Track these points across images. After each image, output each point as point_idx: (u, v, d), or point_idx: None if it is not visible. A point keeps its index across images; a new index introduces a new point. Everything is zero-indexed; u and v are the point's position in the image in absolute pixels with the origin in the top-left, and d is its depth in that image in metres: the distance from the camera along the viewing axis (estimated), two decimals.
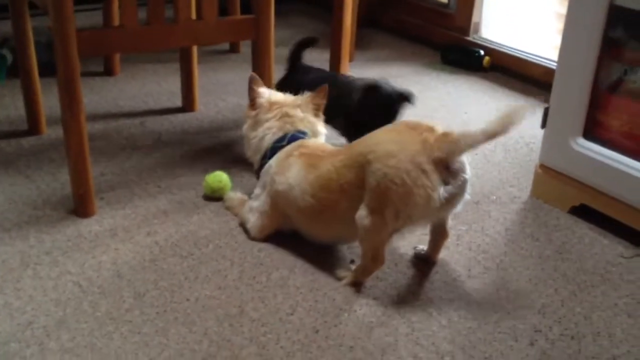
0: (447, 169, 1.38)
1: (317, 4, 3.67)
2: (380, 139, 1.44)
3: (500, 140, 2.20)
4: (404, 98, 1.87)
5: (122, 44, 1.69)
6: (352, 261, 1.56)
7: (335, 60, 2.32)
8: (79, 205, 1.69)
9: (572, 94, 1.74)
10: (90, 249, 1.58)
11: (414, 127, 1.43)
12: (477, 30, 2.98)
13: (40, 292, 1.43)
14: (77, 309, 1.39)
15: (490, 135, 1.35)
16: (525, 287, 1.51)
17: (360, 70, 2.79)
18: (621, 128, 1.71)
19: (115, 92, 2.49)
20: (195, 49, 2.29)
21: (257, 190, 1.67)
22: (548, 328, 1.38)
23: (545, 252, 1.64)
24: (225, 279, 1.50)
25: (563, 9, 1.78)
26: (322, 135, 1.72)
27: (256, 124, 1.71)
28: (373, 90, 1.85)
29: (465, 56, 2.89)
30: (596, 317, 1.42)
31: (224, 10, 2.88)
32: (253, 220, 1.64)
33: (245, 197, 1.74)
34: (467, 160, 1.43)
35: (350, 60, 2.78)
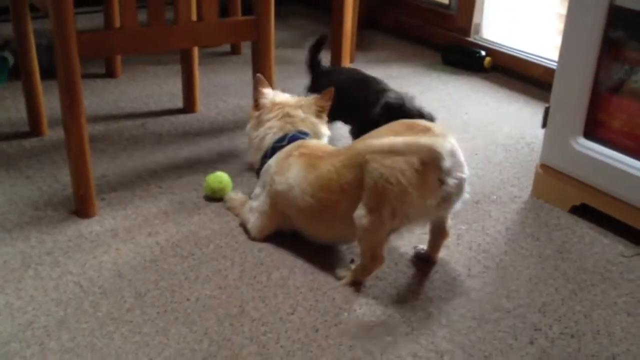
0: (442, 168, 1.38)
1: (317, 5, 3.67)
2: (380, 139, 1.44)
3: (502, 140, 2.21)
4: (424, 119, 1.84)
5: (122, 45, 1.70)
6: (352, 261, 1.57)
7: (336, 62, 2.32)
8: (80, 206, 1.70)
9: (573, 94, 1.74)
10: (91, 249, 1.59)
11: (411, 127, 1.44)
12: (478, 31, 2.98)
13: (41, 292, 1.43)
14: (77, 309, 1.39)
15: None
16: (526, 286, 1.51)
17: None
18: (622, 128, 1.71)
19: (117, 93, 2.50)
20: (196, 50, 2.30)
21: (257, 190, 1.68)
22: (548, 327, 1.38)
23: (545, 251, 1.64)
24: (225, 279, 1.50)
25: (564, 9, 1.78)
26: (325, 136, 1.72)
27: (258, 124, 1.72)
28: (395, 109, 1.82)
29: (466, 57, 2.89)
30: (596, 315, 1.42)
31: (225, 12, 2.90)
32: (253, 221, 1.64)
33: (246, 197, 1.75)
34: (465, 160, 1.43)
35: (351, 61, 2.78)
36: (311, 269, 1.54)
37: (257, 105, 1.74)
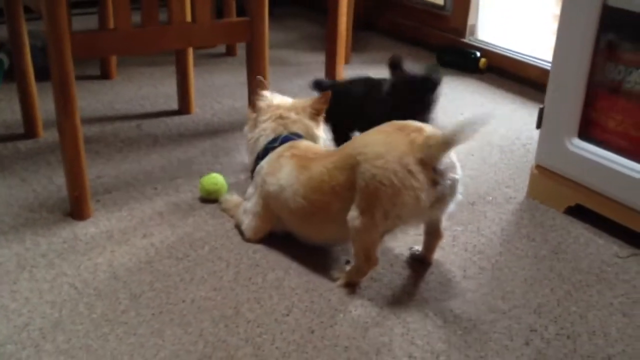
0: (435, 169, 1.38)
1: (312, 7, 3.68)
2: (368, 141, 1.45)
3: (497, 141, 2.21)
4: (429, 82, 1.83)
5: (116, 46, 1.69)
6: (348, 262, 1.56)
7: (331, 63, 2.33)
8: (75, 208, 1.69)
9: (567, 95, 1.75)
10: (86, 251, 1.58)
11: (402, 128, 1.44)
12: (473, 32, 2.98)
13: (36, 294, 1.43)
14: (72, 310, 1.39)
15: (471, 125, 1.36)
16: (521, 287, 1.51)
17: (357, 72, 2.79)
18: (616, 128, 1.71)
19: (112, 95, 2.50)
20: (190, 51, 2.29)
21: (249, 191, 1.68)
22: (544, 327, 1.38)
23: (541, 252, 1.64)
24: (220, 281, 1.50)
25: (559, 10, 1.78)
26: (320, 139, 1.72)
27: (254, 126, 1.72)
28: (401, 84, 1.83)
29: (462, 58, 2.90)
30: (592, 316, 1.42)
31: (220, 13, 2.90)
32: (247, 222, 1.64)
33: (241, 199, 1.74)
34: (459, 161, 1.43)
35: (346, 62, 2.78)
36: (306, 271, 1.54)
37: (254, 107, 1.74)
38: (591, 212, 1.75)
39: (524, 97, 2.61)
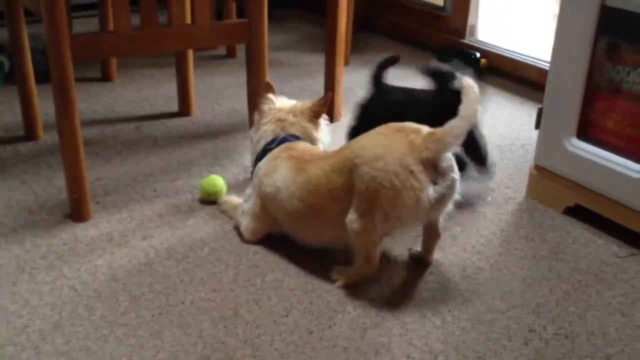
0: (435, 169, 1.38)
1: (312, 8, 3.68)
2: (366, 143, 1.45)
3: (496, 141, 2.21)
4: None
5: (116, 48, 1.70)
6: (347, 263, 1.57)
7: (330, 64, 2.32)
8: (75, 210, 1.70)
9: (566, 95, 1.75)
10: (86, 253, 1.59)
11: (400, 130, 1.44)
12: (473, 33, 2.98)
13: (36, 296, 1.43)
14: (72, 312, 1.39)
15: (468, 117, 1.38)
16: (520, 287, 1.51)
17: (357, 73, 2.80)
18: (614, 128, 1.71)
19: (112, 97, 2.50)
20: (190, 53, 2.30)
21: (247, 191, 1.68)
22: (542, 328, 1.38)
23: (539, 252, 1.64)
24: (220, 282, 1.50)
25: None
26: (318, 141, 1.72)
27: (258, 128, 1.73)
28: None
29: (461, 59, 2.89)
30: (590, 316, 1.42)
31: (220, 16, 2.91)
32: (245, 223, 1.65)
33: (240, 200, 1.75)
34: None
35: (346, 64, 2.78)
36: (305, 272, 1.54)
37: (259, 110, 1.74)
38: (590, 212, 1.75)
39: (523, 97, 2.61)
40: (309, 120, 1.71)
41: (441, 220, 1.53)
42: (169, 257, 1.58)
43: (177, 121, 2.32)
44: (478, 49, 2.87)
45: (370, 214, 1.39)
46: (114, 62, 2.65)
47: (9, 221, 1.70)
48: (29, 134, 2.12)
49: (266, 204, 1.61)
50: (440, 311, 1.43)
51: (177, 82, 2.34)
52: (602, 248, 1.66)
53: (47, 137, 2.12)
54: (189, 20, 1.86)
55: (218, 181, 1.81)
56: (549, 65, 1.80)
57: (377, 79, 1.97)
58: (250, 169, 1.73)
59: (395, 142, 1.40)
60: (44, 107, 2.14)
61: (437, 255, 1.60)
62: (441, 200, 1.41)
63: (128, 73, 2.73)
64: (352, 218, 1.42)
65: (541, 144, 1.84)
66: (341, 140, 1.86)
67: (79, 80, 1.60)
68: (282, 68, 2.86)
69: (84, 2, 3.12)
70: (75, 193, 1.68)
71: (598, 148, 1.72)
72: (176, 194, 1.86)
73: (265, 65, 1.88)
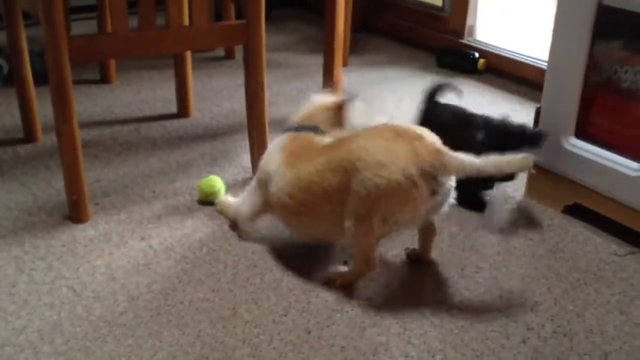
0: (435, 179, 1.38)
1: (311, 9, 3.69)
2: (367, 145, 1.42)
3: None
4: (531, 140, 1.75)
5: (113, 50, 1.70)
6: (345, 262, 1.57)
7: (329, 65, 2.33)
8: (74, 211, 1.70)
9: (563, 94, 1.75)
10: (84, 253, 1.59)
11: (402, 134, 1.42)
12: (471, 33, 2.99)
13: (35, 297, 1.44)
14: (71, 312, 1.40)
15: (483, 171, 1.38)
16: (518, 286, 1.51)
17: (356, 74, 2.81)
18: (612, 127, 1.71)
19: (111, 99, 2.50)
20: (189, 54, 2.30)
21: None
22: (540, 326, 1.38)
23: (538, 251, 1.64)
24: (218, 282, 1.50)
25: None
26: (345, 129, 1.67)
27: None
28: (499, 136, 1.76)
29: (460, 59, 2.90)
30: (589, 314, 1.42)
31: (219, 17, 2.91)
32: (244, 208, 1.65)
33: (237, 199, 1.75)
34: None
35: (345, 65, 2.79)
36: (304, 271, 1.54)
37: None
38: (589, 211, 1.75)
39: (522, 96, 2.61)
40: (334, 111, 1.67)
41: (436, 218, 1.53)
42: (167, 257, 1.58)
43: (175, 123, 2.32)
44: (477, 49, 2.88)
45: (368, 218, 1.39)
46: (112, 64, 2.65)
47: (8, 223, 1.70)
48: (28, 136, 2.12)
49: (261, 188, 1.61)
50: (439, 310, 1.43)
51: (176, 83, 2.35)
52: (601, 246, 1.66)
53: (46, 139, 2.12)
54: (187, 22, 1.86)
55: (216, 182, 1.81)
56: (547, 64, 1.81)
57: (431, 98, 1.98)
58: None
59: (399, 149, 1.38)
60: (43, 109, 2.14)
61: (434, 254, 1.60)
62: (437, 206, 1.43)
63: (127, 75, 2.73)
64: (350, 222, 1.41)
65: None
66: None
67: (77, 82, 1.60)
68: (280, 69, 2.86)
69: (82, 5, 3.13)
70: (74, 194, 1.68)
71: (596, 147, 1.72)
72: (175, 195, 1.86)
73: (263, 66, 1.88)
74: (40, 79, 2.01)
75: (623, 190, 1.65)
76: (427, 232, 1.55)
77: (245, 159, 2.01)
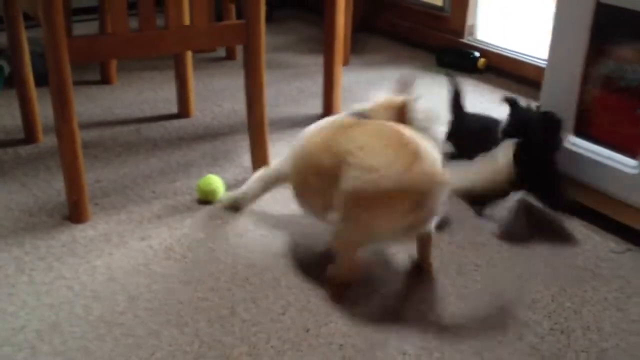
0: (421, 199, 1.35)
1: (311, 9, 3.69)
2: (363, 142, 1.40)
3: None
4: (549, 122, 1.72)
5: (114, 50, 1.71)
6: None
7: (329, 65, 2.33)
8: (74, 212, 1.71)
9: (562, 93, 1.75)
10: (84, 254, 1.60)
11: (406, 144, 1.39)
12: (471, 32, 2.99)
13: (34, 297, 1.44)
14: (70, 312, 1.40)
15: (475, 185, 1.36)
16: (516, 283, 1.51)
17: (356, 74, 2.81)
18: (611, 125, 1.71)
19: (112, 100, 2.51)
20: (189, 55, 2.31)
21: None
22: (537, 323, 1.39)
23: (536, 249, 1.65)
24: (217, 281, 1.51)
25: None
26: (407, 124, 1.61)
27: None
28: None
29: (460, 58, 2.90)
30: (586, 311, 1.42)
31: (220, 18, 2.92)
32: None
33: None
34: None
35: (346, 64, 2.80)
36: (303, 270, 1.55)
37: None
38: (587, 208, 1.75)
39: (523, 95, 2.60)
40: (396, 110, 1.61)
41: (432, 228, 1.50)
42: (167, 257, 1.59)
43: (176, 123, 2.33)
44: (477, 49, 2.88)
45: (348, 219, 1.39)
46: (113, 65, 2.66)
47: (9, 223, 1.71)
48: (29, 137, 2.13)
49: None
50: (436, 308, 1.43)
51: (176, 84, 2.36)
52: (599, 244, 1.66)
53: (47, 140, 2.13)
54: (187, 22, 1.87)
55: (214, 180, 1.82)
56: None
57: (456, 108, 1.98)
58: None
59: (395, 158, 1.36)
60: (44, 110, 2.15)
61: (433, 252, 1.59)
62: (420, 223, 1.40)
63: (128, 76, 2.74)
64: (334, 218, 1.42)
65: None
66: None
67: (78, 83, 1.61)
68: (281, 69, 2.87)
69: (85, 6, 3.14)
70: (74, 195, 1.69)
71: (595, 145, 1.72)
72: (175, 195, 1.87)
73: (262, 66, 1.88)
74: (42, 80, 2.02)
75: (621, 188, 1.65)
76: (423, 242, 1.53)
77: (246, 159, 2.02)
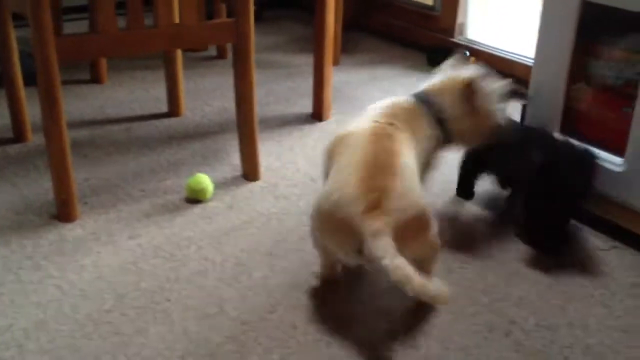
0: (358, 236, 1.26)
1: (303, 9, 3.69)
2: (343, 157, 1.37)
3: None
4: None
5: (102, 49, 1.71)
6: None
7: (319, 64, 2.34)
8: (62, 210, 1.71)
9: (549, 90, 1.76)
10: (72, 252, 1.59)
11: (385, 168, 1.31)
12: (462, 32, 3.00)
13: (22, 296, 1.44)
14: (57, 311, 1.40)
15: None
16: (503, 281, 1.52)
17: (347, 73, 2.82)
18: (597, 122, 1.72)
19: (102, 99, 2.51)
20: (179, 54, 2.31)
21: None
22: (523, 319, 1.39)
23: (523, 247, 1.65)
24: (206, 279, 1.51)
25: None
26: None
27: None
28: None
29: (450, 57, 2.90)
30: (571, 308, 1.43)
31: (210, 17, 2.92)
32: None
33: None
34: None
35: (336, 64, 2.80)
36: (293, 269, 1.55)
37: None
38: None
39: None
40: (464, 88, 1.51)
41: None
42: (155, 255, 1.59)
43: (166, 122, 2.33)
44: (467, 48, 2.89)
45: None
46: (103, 64, 2.66)
47: None
48: (18, 136, 2.13)
49: None
50: (425, 305, 1.43)
51: (166, 83, 2.35)
52: (586, 241, 1.67)
53: (36, 139, 2.13)
54: (177, 20, 1.87)
55: (203, 179, 1.82)
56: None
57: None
58: None
59: (354, 182, 1.29)
60: (33, 109, 2.14)
61: None
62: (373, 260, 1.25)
63: (119, 75, 2.74)
64: None
65: None
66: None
67: (69, 82, 1.61)
68: (272, 69, 2.87)
69: (76, 5, 3.13)
70: (62, 194, 1.69)
71: (582, 142, 1.72)
72: (164, 194, 1.87)
73: (251, 64, 1.88)
74: (31, 80, 2.01)
75: (607, 185, 1.66)
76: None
77: (236, 158, 2.02)
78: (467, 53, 2.85)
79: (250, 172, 1.95)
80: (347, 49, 3.06)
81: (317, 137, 2.24)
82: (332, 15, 2.32)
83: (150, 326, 1.36)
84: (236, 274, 1.53)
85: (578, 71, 1.72)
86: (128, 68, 2.82)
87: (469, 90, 1.48)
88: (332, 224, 1.31)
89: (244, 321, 1.38)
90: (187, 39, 1.81)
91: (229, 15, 2.85)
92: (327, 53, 2.33)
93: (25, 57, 2.13)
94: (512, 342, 1.33)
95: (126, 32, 1.70)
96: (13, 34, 2.00)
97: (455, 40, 2.97)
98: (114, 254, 1.60)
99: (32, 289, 1.46)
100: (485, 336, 1.35)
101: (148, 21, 1.70)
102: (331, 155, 1.44)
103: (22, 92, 2.07)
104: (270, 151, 2.11)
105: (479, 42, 2.92)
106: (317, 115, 2.39)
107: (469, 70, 1.53)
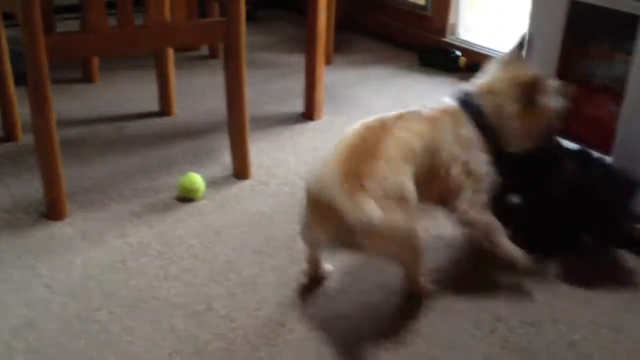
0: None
1: (296, 9, 3.70)
2: (341, 148, 1.36)
3: None
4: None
5: (92, 47, 1.71)
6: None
7: (311, 63, 2.34)
8: (51, 209, 1.71)
9: None
10: (61, 251, 1.60)
11: (359, 173, 1.28)
12: (453, 32, 3.00)
13: (10, 295, 1.44)
14: (45, 309, 1.40)
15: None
16: (490, 278, 1.53)
17: (339, 73, 2.82)
18: (585, 121, 1.73)
19: (94, 98, 2.51)
20: (170, 53, 2.31)
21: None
22: (510, 316, 1.40)
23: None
24: (195, 278, 1.51)
25: None
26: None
27: None
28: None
29: (442, 57, 2.91)
30: (557, 304, 1.44)
31: (203, 16, 2.92)
32: None
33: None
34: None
35: (328, 63, 2.80)
36: (282, 266, 1.56)
37: None
38: None
39: None
40: (525, 87, 1.43)
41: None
42: (144, 254, 1.59)
43: (158, 121, 2.33)
44: (458, 48, 2.90)
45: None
46: (95, 63, 2.65)
47: None
48: (8, 135, 2.13)
49: None
50: (412, 302, 1.44)
51: (157, 82, 2.36)
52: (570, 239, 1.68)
53: (26, 138, 2.12)
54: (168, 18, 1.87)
55: (195, 178, 1.83)
56: None
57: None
58: None
59: (338, 172, 1.28)
60: (23, 108, 2.14)
61: None
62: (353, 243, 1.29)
63: (111, 74, 2.73)
64: None
65: None
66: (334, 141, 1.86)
67: (60, 81, 1.61)
68: (265, 69, 2.87)
69: (69, 4, 3.13)
70: (52, 192, 1.69)
71: (570, 141, 1.73)
72: (155, 193, 1.87)
73: (242, 64, 1.89)
74: (21, 79, 2.01)
75: None
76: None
77: (227, 156, 2.02)
78: (458, 53, 2.87)
79: (241, 170, 1.96)
80: (340, 48, 3.06)
81: (308, 136, 2.24)
82: (324, 16, 2.33)
83: (137, 324, 1.37)
84: (225, 272, 1.54)
85: (566, 70, 1.73)
86: (120, 67, 2.82)
87: (533, 88, 1.41)
88: (315, 203, 1.32)
89: (232, 319, 1.39)
90: (178, 38, 1.82)
91: (221, 14, 2.86)
92: (319, 53, 2.34)
93: (15, 56, 2.13)
94: (499, 339, 1.34)
95: (116, 30, 1.70)
96: (3, 33, 2.00)
97: (447, 40, 2.98)
98: (102, 252, 1.60)
99: (21, 288, 1.47)
100: (472, 333, 1.35)
101: (140, 21, 1.71)
102: None
103: (13, 91, 2.07)
104: (262, 150, 2.11)
105: (469, 42, 2.92)
106: (308, 114, 2.39)
107: (525, 69, 1.45)
